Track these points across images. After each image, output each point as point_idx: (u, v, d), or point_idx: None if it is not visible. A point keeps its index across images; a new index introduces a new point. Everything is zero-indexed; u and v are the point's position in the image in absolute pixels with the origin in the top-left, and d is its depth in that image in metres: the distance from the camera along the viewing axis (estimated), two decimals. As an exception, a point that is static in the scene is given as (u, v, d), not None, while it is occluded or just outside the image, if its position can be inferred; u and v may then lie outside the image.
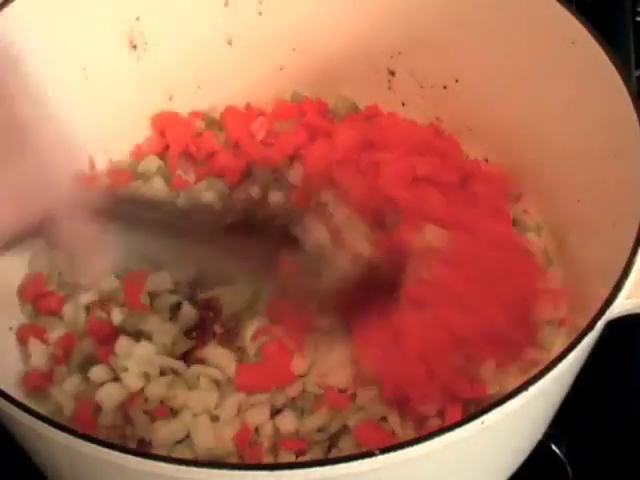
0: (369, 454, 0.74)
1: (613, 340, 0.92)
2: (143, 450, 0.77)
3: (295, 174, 1.10)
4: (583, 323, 0.82)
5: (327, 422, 0.95)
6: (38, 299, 1.04)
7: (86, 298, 1.03)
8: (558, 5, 1.00)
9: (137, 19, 1.12)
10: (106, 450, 0.74)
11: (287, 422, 0.95)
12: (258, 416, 0.95)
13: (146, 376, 0.97)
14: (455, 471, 0.84)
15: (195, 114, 1.18)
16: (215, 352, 0.99)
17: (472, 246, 0.99)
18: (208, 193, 1.10)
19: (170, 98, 1.18)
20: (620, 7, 1.35)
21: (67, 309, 1.03)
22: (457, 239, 1.00)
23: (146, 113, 1.17)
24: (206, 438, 0.94)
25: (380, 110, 1.18)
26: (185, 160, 1.15)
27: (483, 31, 1.08)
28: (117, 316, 1.01)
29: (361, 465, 0.74)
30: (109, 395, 0.96)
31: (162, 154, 1.16)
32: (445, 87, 1.15)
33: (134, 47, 1.14)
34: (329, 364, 0.97)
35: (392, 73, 1.19)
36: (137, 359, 0.97)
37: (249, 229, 0.88)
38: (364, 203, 1.03)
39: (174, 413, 0.96)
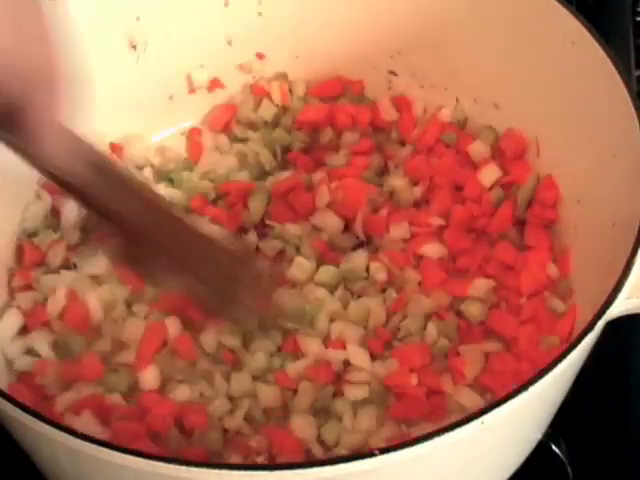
0: (369, 454, 0.74)
1: (613, 340, 0.92)
2: (143, 451, 0.77)
3: None
4: (583, 323, 0.82)
5: None
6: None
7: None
8: (558, 5, 1.00)
9: (137, 19, 1.12)
10: (106, 450, 0.74)
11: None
12: None
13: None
14: (455, 471, 0.84)
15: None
16: None
17: None
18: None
19: (170, 98, 1.18)
20: (620, 7, 1.35)
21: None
22: None
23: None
24: None
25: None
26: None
27: (483, 31, 1.08)
28: None
29: (361, 465, 0.74)
30: None
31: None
32: (446, 88, 1.15)
33: (134, 47, 1.14)
34: None
35: (392, 73, 1.19)
36: None
37: None
38: None
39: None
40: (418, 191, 1.10)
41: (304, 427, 0.94)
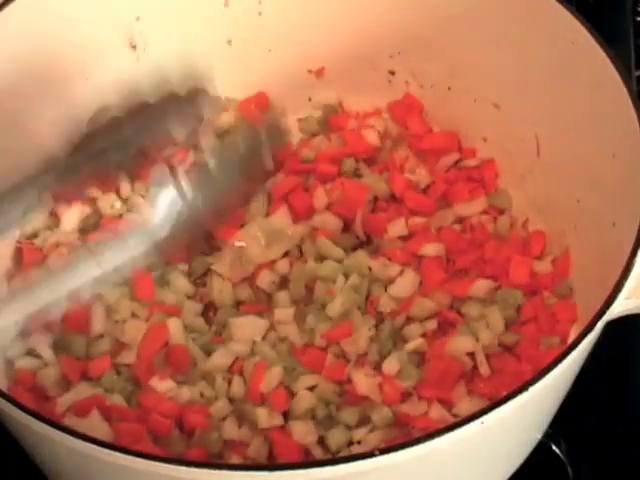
0: (369, 454, 0.74)
1: (613, 340, 0.92)
2: (143, 451, 0.77)
3: None
4: (583, 323, 0.82)
5: None
6: None
7: None
8: (558, 5, 1.00)
9: (137, 19, 1.12)
10: (107, 451, 0.74)
11: None
12: None
13: None
14: (455, 471, 0.85)
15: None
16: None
17: None
18: None
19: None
20: (620, 7, 1.35)
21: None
22: None
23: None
24: None
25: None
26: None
27: (483, 31, 1.08)
28: None
29: (361, 465, 0.74)
30: None
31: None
32: (446, 88, 1.15)
33: (134, 47, 1.14)
34: None
35: (392, 73, 1.19)
36: None
37: None
38: None
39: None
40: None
41: (304, 433, 0.95)
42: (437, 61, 1.14)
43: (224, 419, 0.96)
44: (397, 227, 1.08)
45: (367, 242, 1.09)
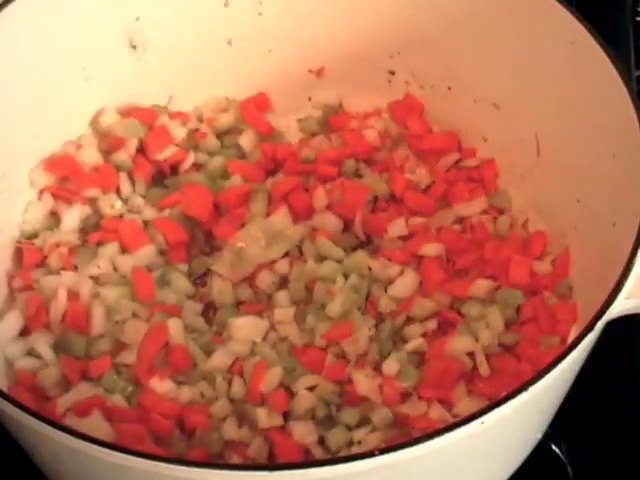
0: (369, 454, 0.74)
1: (613, 340, 0.92)
2: (144, 451, 0.77)
3: None
4: (583, 323, 0.82)
5: None
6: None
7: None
8: (558, 5, 1.00)
9: (137, 19, 1.12)
10: (108, 451, 0.74)
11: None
12: None
13: None
14: (455, 471, 0.85)
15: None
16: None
17: None
18: None
19: (170, 97, 1.18)
20: (620, 7, 1.35)
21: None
22: None
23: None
24: None
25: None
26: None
27: (483, 31, 1.08)
28: None
29: (361, 465, 0.74)
30: None
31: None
32: (446, 88, 1.16)
33: (134, 47, 1.14)
34: None
35: (392, 73, 1.19)
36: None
37: None
38: None
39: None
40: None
41: (304, 433, 0.95)
42: (437, 61, 1.14)
43: (224, 419, 0.96)
44: (397, 227, 1.08)
45: (367, 242, 1.09)
